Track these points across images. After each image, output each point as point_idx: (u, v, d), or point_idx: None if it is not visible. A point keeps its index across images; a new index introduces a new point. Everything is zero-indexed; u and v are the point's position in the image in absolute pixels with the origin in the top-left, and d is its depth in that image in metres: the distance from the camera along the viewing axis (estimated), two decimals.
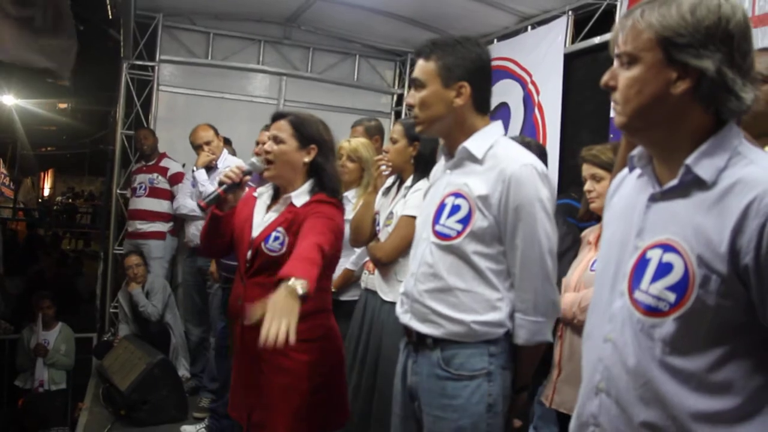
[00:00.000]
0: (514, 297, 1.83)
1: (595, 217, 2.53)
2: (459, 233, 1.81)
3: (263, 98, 6.20)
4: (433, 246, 1.87)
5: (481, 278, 1.82)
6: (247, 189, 2.49)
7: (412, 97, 1.89)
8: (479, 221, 1.79)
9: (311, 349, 2.28)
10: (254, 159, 2.43)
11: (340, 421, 2.43)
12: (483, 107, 1.91)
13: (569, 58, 4.61)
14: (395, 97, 6.73)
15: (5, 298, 8.10)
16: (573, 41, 4.58)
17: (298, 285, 1.80)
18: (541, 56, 4.77)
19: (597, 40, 4.36)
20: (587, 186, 2.45)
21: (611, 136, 3.97)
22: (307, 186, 2.35)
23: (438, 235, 1.86)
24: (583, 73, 4.61)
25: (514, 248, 1.80)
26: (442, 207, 1.87)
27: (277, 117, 2.42)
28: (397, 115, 6.66)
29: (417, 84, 1.88)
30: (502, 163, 1.80)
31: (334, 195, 2.36)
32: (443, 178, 1.95)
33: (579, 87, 4.60)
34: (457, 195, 1.84)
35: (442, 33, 5.74)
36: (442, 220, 1.85)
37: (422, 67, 1.87)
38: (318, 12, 5.65)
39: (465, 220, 1.81)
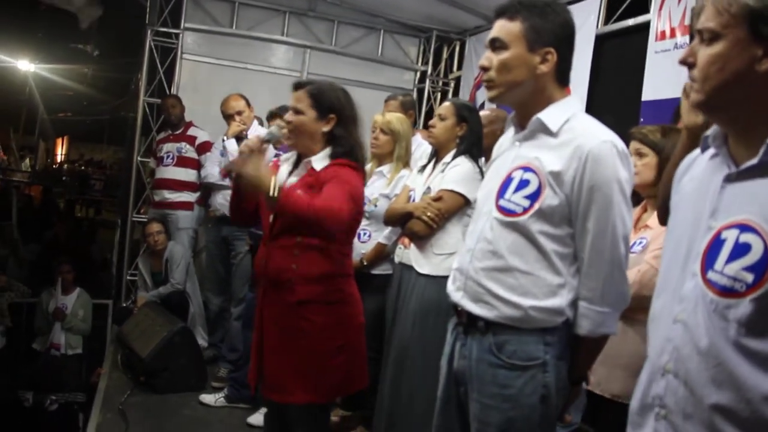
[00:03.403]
0: (580, 284, 1.70)
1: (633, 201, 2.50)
2: (525, 210, 1.68)
3: (286, 70, 6.17)
4: (494, 222, 1.74)
5: (545, 260, 1.69)
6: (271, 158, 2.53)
7: (487, 59, 1.73)
8: (549, 199, 1.66)
9: (329, 311, 2.36)
10: (273, 128, 2.48)
11: (359, 385, 2.49)
12: (564, 78, 1.77)
13: (599, 40, 4.54)
14: (418, 74, 6.68)
15: (20, 262, 8.16)
16: (605, 23, 4.51)
17: (275, 188, 2.06)
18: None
19: (630, 22, 4.29)
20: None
21: (641, 120, 3.93)
22: (327, 151, 2.39)
23: (502, 210, 1.72)
24: (613, 55, 4.54)
25: (584, 231, 1.66)
26: (508, 181, 1.74)
27: (296, 87, 2.44)
28: (420, 92, 6.61)
29: (497, 45, 1.72)
30: (580, 138, 1.66)
31: (355, 160, 2.39)
32: (511, 151, 1.81)
33: (608, 70, 4.54)
34: (526, 169, 1.71)
35: (468, 11, 5.70)
36: (508, 194, 1.72)
37: (505, 27, 1.72)
38: None
39: (533, 197, 1.68)
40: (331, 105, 2.38)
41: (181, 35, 5.77)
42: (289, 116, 2.39)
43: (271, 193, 2.06)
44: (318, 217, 2.11)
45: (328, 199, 2.18)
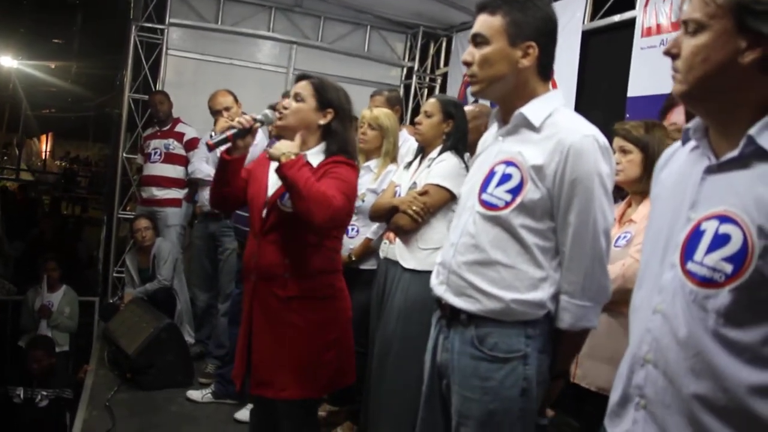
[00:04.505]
0: (561, 278, 1.72)
1: (617, 196, 2.51)
2: (507, 204, 1.69)
3: (272, 66, 6.16)
4: (477, 216, 1.75)
5: (526, 254, 1.70)
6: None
7: (470, 54, 1.75)
8: (531, 193, 1.67)
9: (321, 307, 2.37)
10: (267, 111, 2.46)
11: (348, 379, 2.50)
12: (546, 73, 1.77)
13: (586, 36, 4.56)
14: (405, 70, 6.69)
15: (4, 259, 8.09)
16: (592, 19, 4.53)
17: (289, 155, 2.17)
18: (558, 33, 4.71)
19: (617, 18, 4.32)
20: (615, 158, 2.42)
21: (627, 116, 3.96)
22: (321, 146, 2.40)
23: (484, 204, 1.74)
24: (599, 52, 4.57)
25: (566, 225, 1.68)
26: (491, 175, 1.75)
27: (301, 78, 2.47)
28: (406, 88, 6.63)
29: (479, 40, 1.73)
30: (562, 132, 1.67)
31: (350, 158, 2.40)
32: (494, 146, 1.82)
33: (595, 66, 4.56)
34: (508, 163, 1.72)
35: (455, 7, 5.70)
36: (490, 188, 1.73)
37: (486, 22, 1.72)
38: None
39: (515, 191, 1.69)
40: (331, 100, 2.40)
41: (166, 31, 5.74)
42: (287, 102, 2.40)
43: (293, 153, 2.16)
44: (309, 197, 2.13)
45: (324, 188, 2.20)
